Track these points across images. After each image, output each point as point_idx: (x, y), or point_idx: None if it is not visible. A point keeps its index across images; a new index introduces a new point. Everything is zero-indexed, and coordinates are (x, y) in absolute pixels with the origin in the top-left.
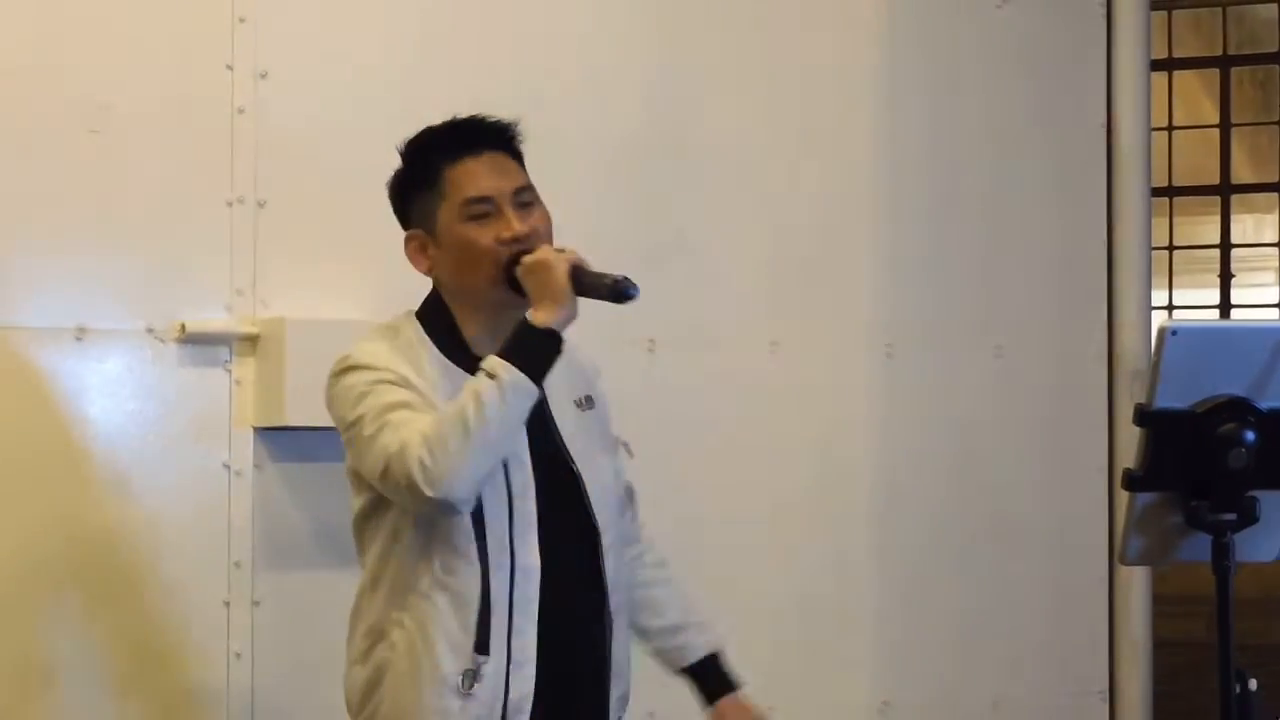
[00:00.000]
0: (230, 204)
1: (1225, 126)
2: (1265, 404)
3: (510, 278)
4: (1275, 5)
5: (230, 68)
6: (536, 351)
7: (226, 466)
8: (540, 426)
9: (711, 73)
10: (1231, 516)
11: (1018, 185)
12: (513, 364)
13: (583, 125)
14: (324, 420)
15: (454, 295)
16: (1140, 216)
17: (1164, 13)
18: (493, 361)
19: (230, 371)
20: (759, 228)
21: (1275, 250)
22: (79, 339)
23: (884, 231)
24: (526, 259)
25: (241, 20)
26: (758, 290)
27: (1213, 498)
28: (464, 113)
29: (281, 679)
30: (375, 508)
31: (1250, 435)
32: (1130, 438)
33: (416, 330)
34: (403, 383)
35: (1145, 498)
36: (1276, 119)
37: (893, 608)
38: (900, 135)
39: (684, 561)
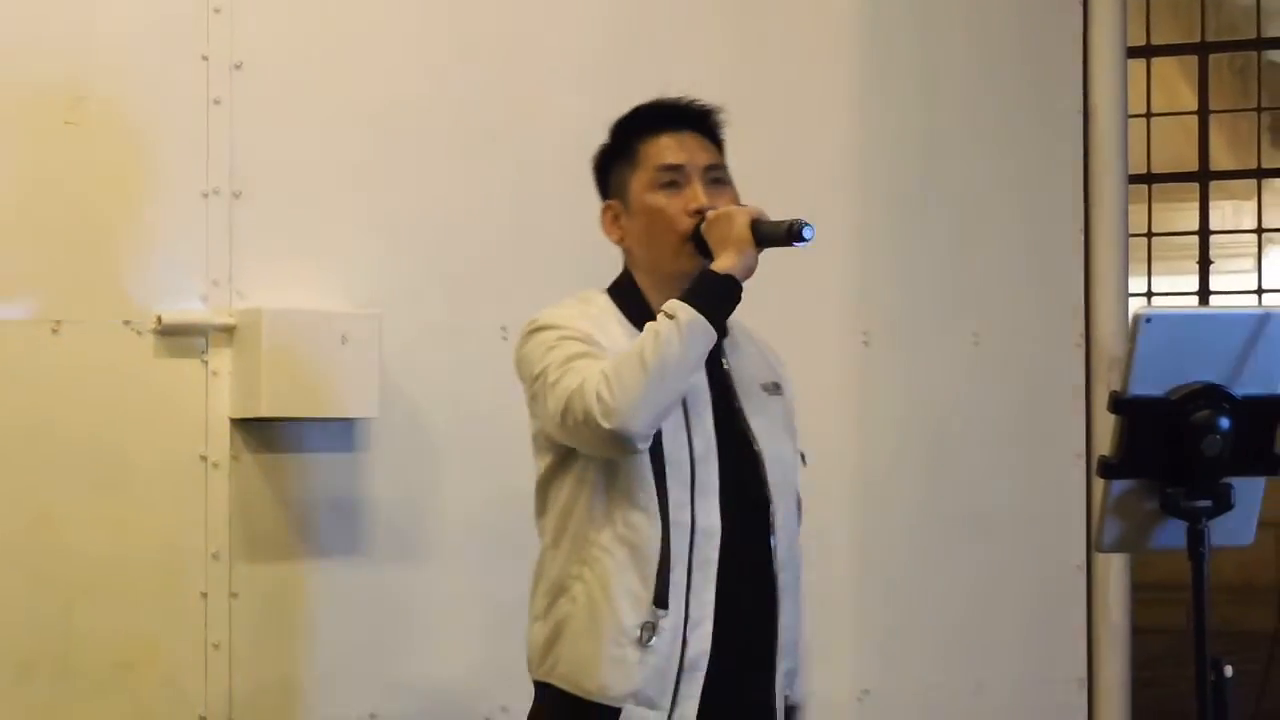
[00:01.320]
0: (206, 195)
1: (1204, 113)
2: (1240, 390)
3: (699, 244)
4: None
5: (205, 59)
6: (715, 295)
7: (203, 458)
8: (725, 402)
9: (683, 60)
10: (1207, 503)
11: (995, 173)
12: (691, 305)
13: (557, 116)
14: (300, 411)
15: (642, 267)
16: (1117, 203)
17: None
18: (673, 303)
19: (206, 363)
20: None
21: (1254, 236)
22: (55, 331)
23: (860, 219)
24: (710, 214)
25: (216, 11)
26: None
27: (1188, 484)
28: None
29: (259, 670)
30: (559, 467)
31: (1225, 422)
32: (1108, 425)
33: (606, 301)
34: (587, 340)
35: (1121, 485)
36: (1255, 106)
37: (872, 596)
38: (877, 123)
39: None
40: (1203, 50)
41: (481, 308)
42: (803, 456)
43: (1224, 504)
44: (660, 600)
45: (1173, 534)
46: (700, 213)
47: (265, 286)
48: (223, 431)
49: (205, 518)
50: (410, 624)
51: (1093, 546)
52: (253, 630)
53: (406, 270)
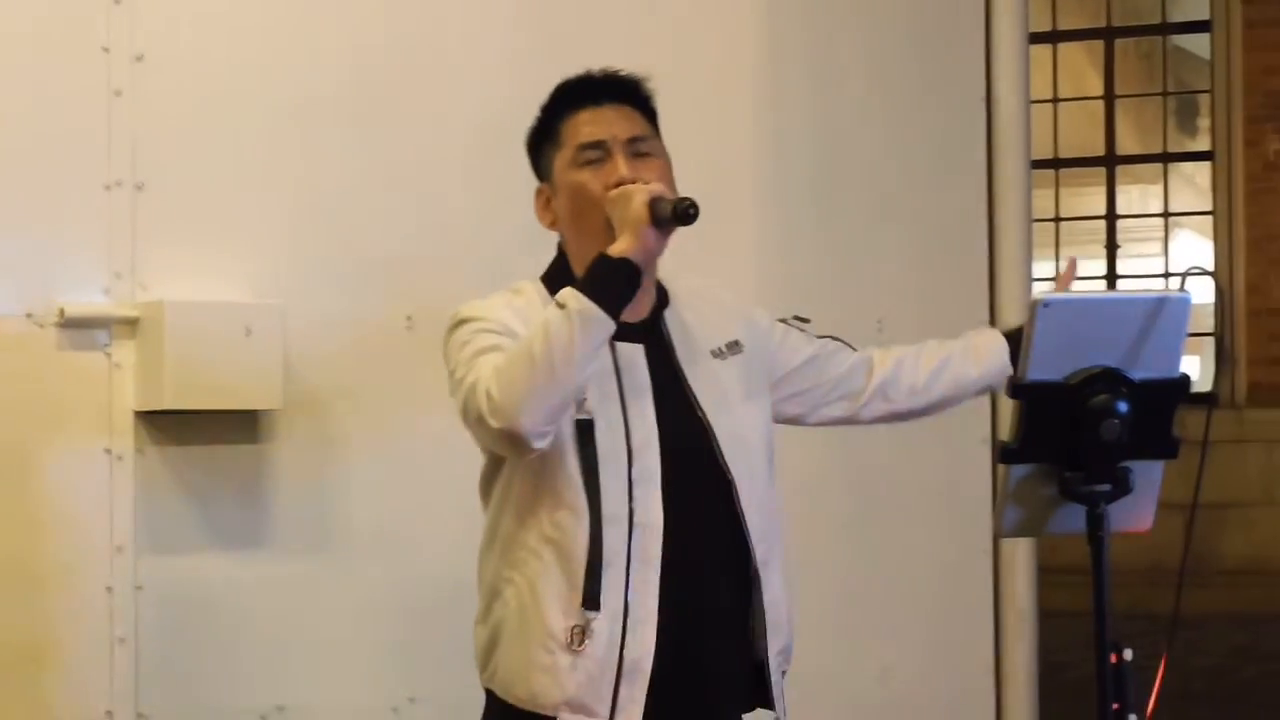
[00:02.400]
0: (108, 187)
1: (1110, 98)
2: (1138, 375)
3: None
4: None
5: (106, 50)
6: (608, 281)
7: (107, 451)
8: (671, 379)
9: (585, 50)
10: (1106, 487)
11: (899, 158)
12: (584, 293)
13: (459, 100)
14: (204, 403)
15: (573, 249)
16: (1020, 189)
17: None
18: (565, 292)
19: (110, 355)
20: None
21: (1160, 221)
22: None
23: (765, 208)
24: (610, 192)
25: (117, 3)
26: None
27: (1087, 469)
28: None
29: (165, 663)
30: (493, 466)
31: (1123, 406)
32: (1011, 410)
33: (539, 289)
34: (504, 331)
35: (1020, 470)
36: (1160, 90)
37: None
38: (782, 109)
39: None
40: (1108, 35)
41: (385, 298)
42: (803, 320)
43: (1123, 488)
44: (590, 601)
45: (1072, 518)
46: (621, 184)
47: (168, 278)
48: (126, 424)
49: (110, 511)
50: (317, 615)
51: (993, 532)
52: (158, 624)
53: (310, 261)
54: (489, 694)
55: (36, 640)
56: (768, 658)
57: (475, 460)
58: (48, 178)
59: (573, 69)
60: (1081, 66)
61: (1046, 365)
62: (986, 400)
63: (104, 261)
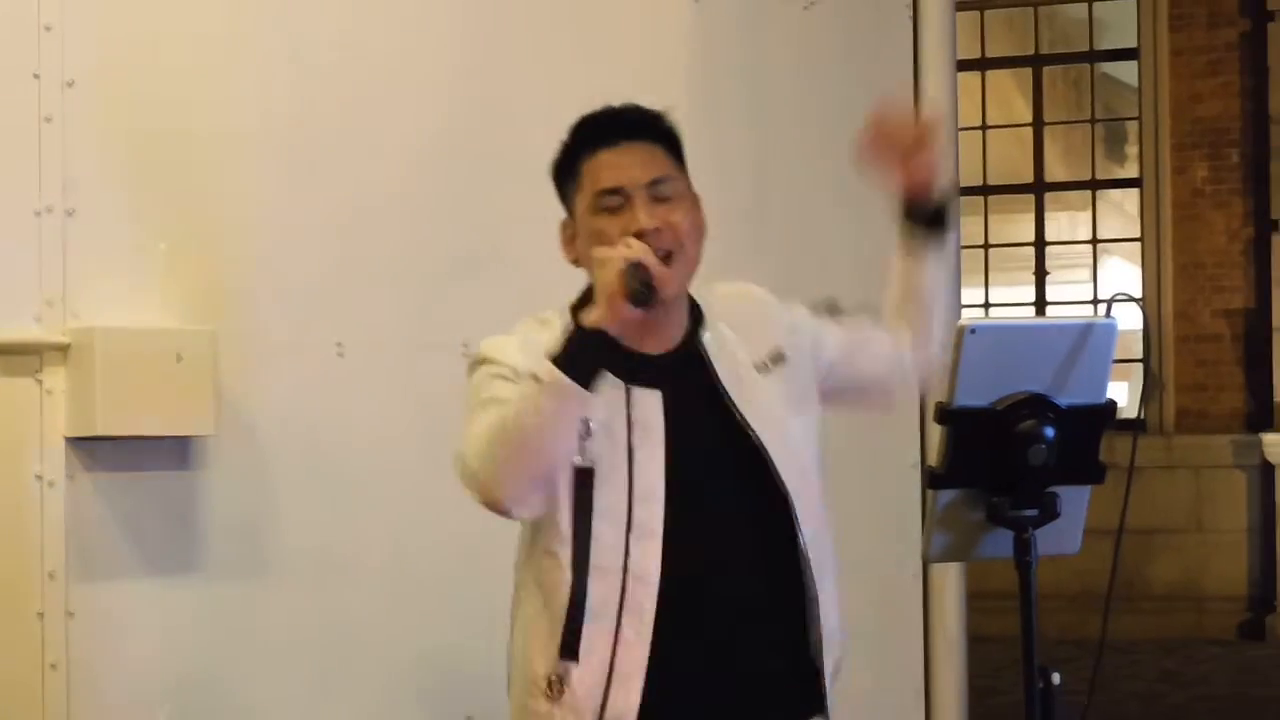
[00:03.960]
0: (38, 213)
1: (1038, 125)
2: (1064, 400)
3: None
4: (1085, 5)
5: (37, 76)
6: (579, 352)
7: (39, 477)
8: (716, 402)
9: (520, 70)
10: (1033, 512)
11: (826, 185)
12: (557, 365)
13: (391, 126)
14: (135, 430)
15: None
16: None
17: (976, 12)
18: (540, 364)
19: (41, 382)
20: None
21: (1089, 247)
22: None
23: None
24: (594, 252)
25: (47, 28)
26: (572, 291)
27: (1014, 494)
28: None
29: (97, 690)
30: None
31: (1050, 431)
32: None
33: (564, 320)
34: (515, 377)
35: (948, 495)
36: (1088, 117)
37: None
38: (709, 136)
39: (481, 551)
40: (1037, 63)
41: (317, 324)
42: (835, 304)
43: (1050, 513)
44: (566, 651)
45: (1000, 543)
46: (641, 235)
47: (99, 305)
48: (58, 451)
49: (41, 537)
50: (248, 643)
51: (921, 556)
52: (90, 650)
53: (241, 286)
54: None
55: None
56: (822, 669)
57: (408, 485)
58: None
59: (505, 94)
60: (1010, 94)
61: (973, 391)
62: (916, 425)
63: (35, 288)
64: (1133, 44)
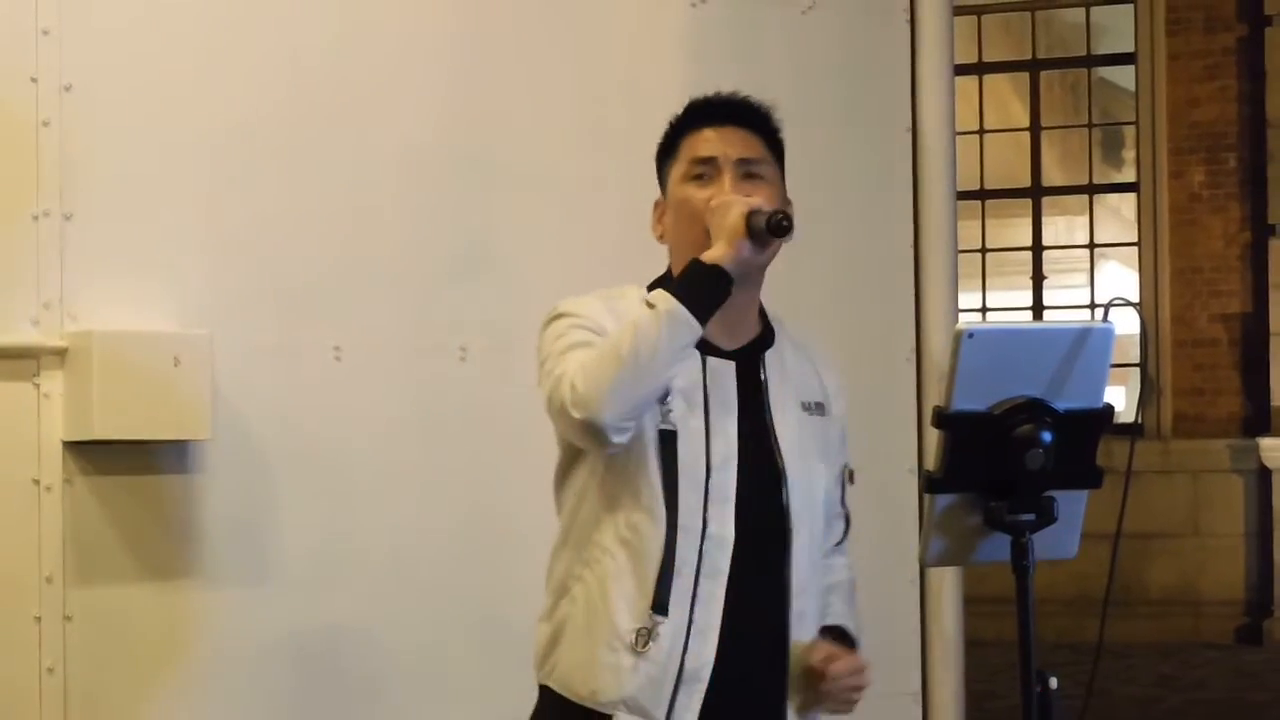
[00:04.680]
0: (36, 217)
1: (1035, 129)
2: (1062, 405)
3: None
4: (1083, 9)
5: (34, 80)
6: (699, 285)
7: (36, 481)
8: (757, 414)
9: (514, 76)
10: (1030, 517)
11: (826, 189)
12: (673, 294)
13: (388, 130)
14: (132, 433)
15: (676, 262)
16: (945, 219)
17: (973, 17)
18: (656, 293)
19: (38, 385)
20: (564, 234)
21: (1086, 252)
22: None
23: None
24: (712, 201)
25: (45, 33)
26: (564, 296)
27: (1011, 498)
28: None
29: (94, 693)
30: (571, 463)
31: (1047, 436)
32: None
33: (641, 294)
34: (598, 329)
35: (945, 499)
36: (1086, 122)
37: None
38: None
39: (478, 554)
40: (1034, 67)
41: (314, 327)
42: (851, 474)
43: (1047, 517)
44: (659, 606)
45: (997, 548)
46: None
47: (97, 308)
48: (55, 454)
49: (38, 541)
50: (246, 645)
51: (918, 560)
52: (87, 654)
53: (238, 290)
54: (544, 690)
55: None
56: (786, 700)
57: (405, 489)
58: None
59: (500, 102)
60: (1007, 98)
61: (971, 395)
62: (913, 430)
63: (32, 292)
64: (1130, 48)
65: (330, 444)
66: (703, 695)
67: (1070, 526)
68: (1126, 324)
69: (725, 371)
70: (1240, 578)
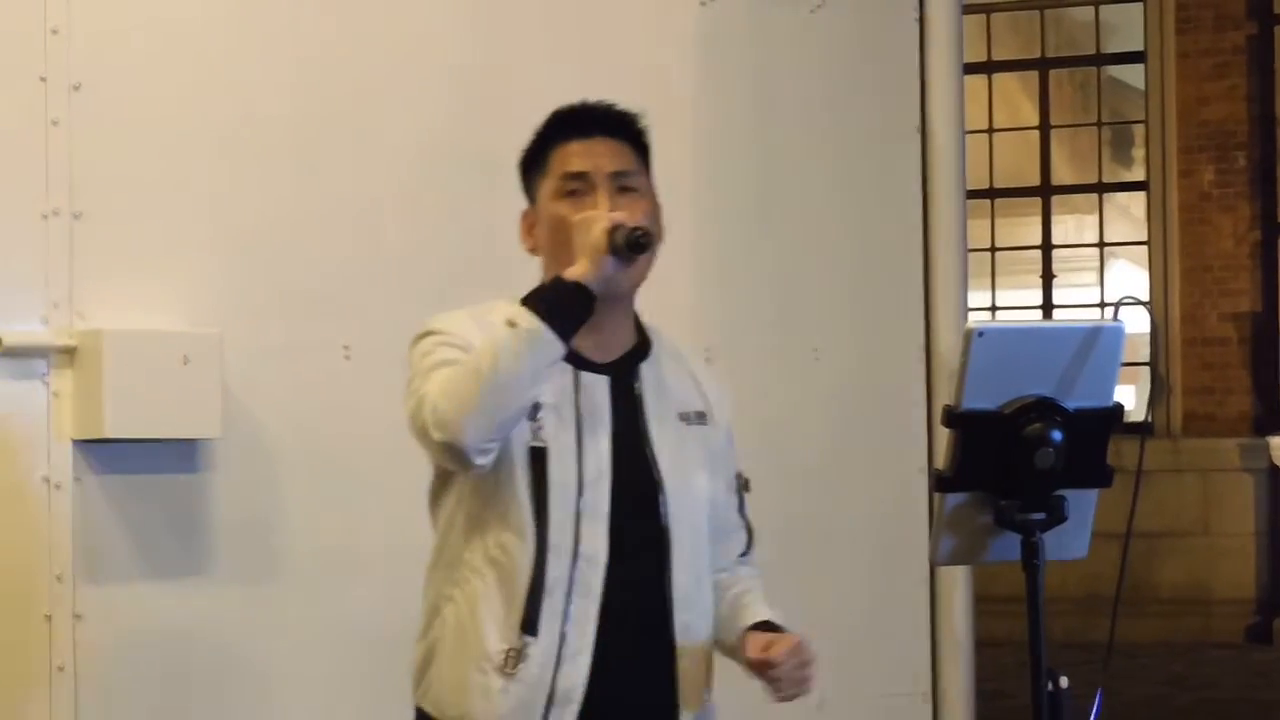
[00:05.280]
0: (45, 216)
1: (1045, 128)
2: (1072, 403)
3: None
4: (1092, 8)
5: (43, 79)
6: (560, 303)
7: (46, 480)
8: (633, 427)
9: (524, 74)
10: (1040, 516)
11: (835, 188)
12: (535, 312)
13: (398, 129)
14: (142, 432)
15: (549, 276)
16: (955, 218)
17: (982, 16)
18: (518, 311)
19: (48, 384)
20: None
21: (1096, 250)
22: None
23: (702, 236)
24: (575, 216)
25: (54, 32)
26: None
27: (1021, 497)
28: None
29: (104, 692)
30: (441, 483)
31: (1057, 435)
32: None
33: (511, 308)
34: (466, 346)
35: (955, 498)
36: (1095, 120)
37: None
38: (716, 138)
39: None
40: (1043, 66)
41: (323, 327)
42: (746, 483)
43: (1057, 516)
44: (528, 626)
45: (1007, 547)
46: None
47: (106, 307)
48: (65, 453)
49: (48, 539)
50: (256, 644)
51: (928, 560)
52: (97, 652)
53: (247, 289)
54: (419, 713)
55: None
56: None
57: (416, 488)
58: None
59: (510, 106)
60: (1016, 97)
61: (981, 394)
62: (923, 429)
63: (42, 291)
64: (1139, 47)
65: (340, 442)
66: (576, 716)
67: (1080, 526)
68: (1136, 323)
69: (598, 386)
70: (1251, 577)
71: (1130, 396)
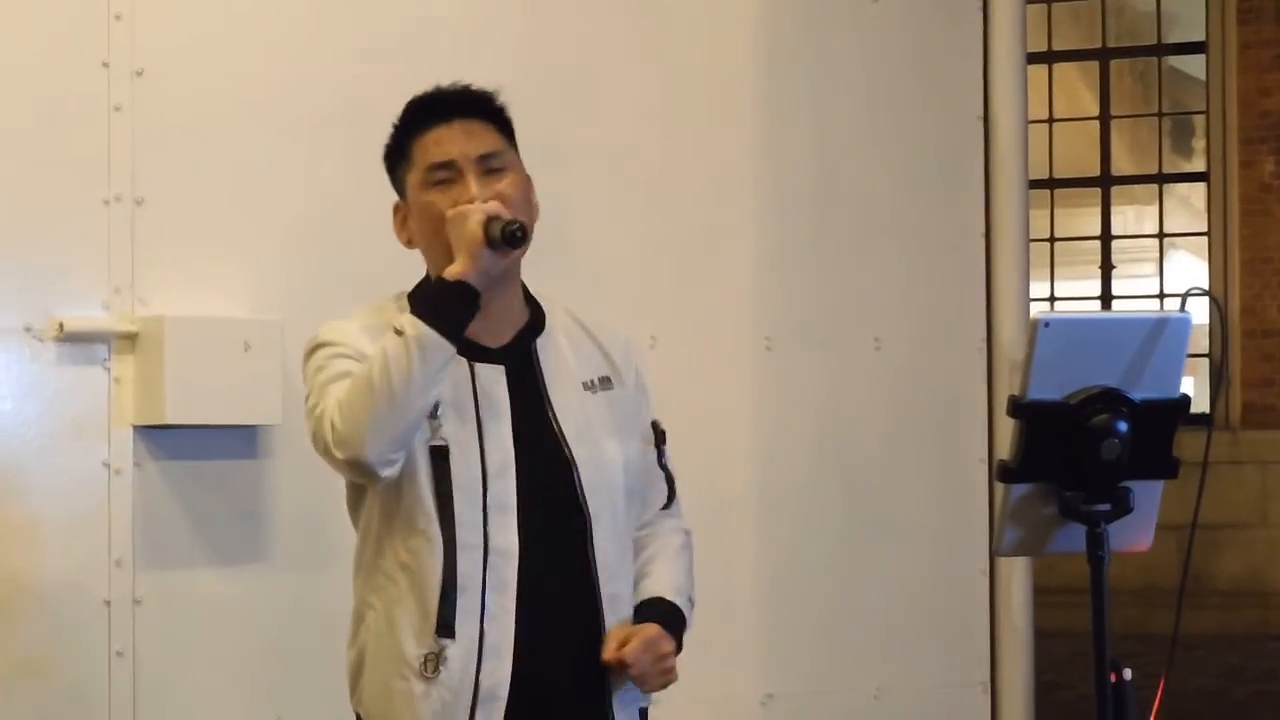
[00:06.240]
0: (107, 202)
1: (1105, 118)
2: (1137, 394)
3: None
4: None
5: (106, 65)
6: (446, 304)
7: (106, 465)
8: (536, 406)
9: (582, 64)
10: (1105, 507)
11: (897, 178)
12: (421, 318)
13: None
14: (203, 418)
15: (430, 268)
16: (1018, 209)
17: (1044, 5)
18: (403, 318)
19: (109, 370)
20: (637, 223)
21: (1155, 241)
22: None
23: (763, 225)
24: (448, 212)
25: (118, 18)
26: (636, 286)
27: (1087, 488)
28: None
29: (163, 677)
30: (355, 493)
31: (1123, 426)
32: (1009, 429)
33: (401, 306)
34: (357, 356)
35: (1020, 489)
36: (1155, 111)
37: (774, 601)
38: (778, 129)
39: None
40: (1104, 56)
41: None
42: (661, 433)
43: (1123, 508)
44: (444, 628)
45: (1072, 538)
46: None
47: (168, 293)
48: (126, 439)
49: (109, 525)
50: (315, 630)
51: (992, 550)
52: (157, 638)
53: (309, 276)
54: (357, 717)
55: (35, 654)
56: (610, 694)
57: None
58: (48, 192)
59: (571, 90)
60: (1077, 87)
61: (1047, 384)
62: (984, 419)
63: (103, 276)
64: (1201, 37)
65: None
66: (502, 714)
67: (1145, 517)
68: (1196, 314)
69: (494, 376)
70: None
71: (1190, 388)
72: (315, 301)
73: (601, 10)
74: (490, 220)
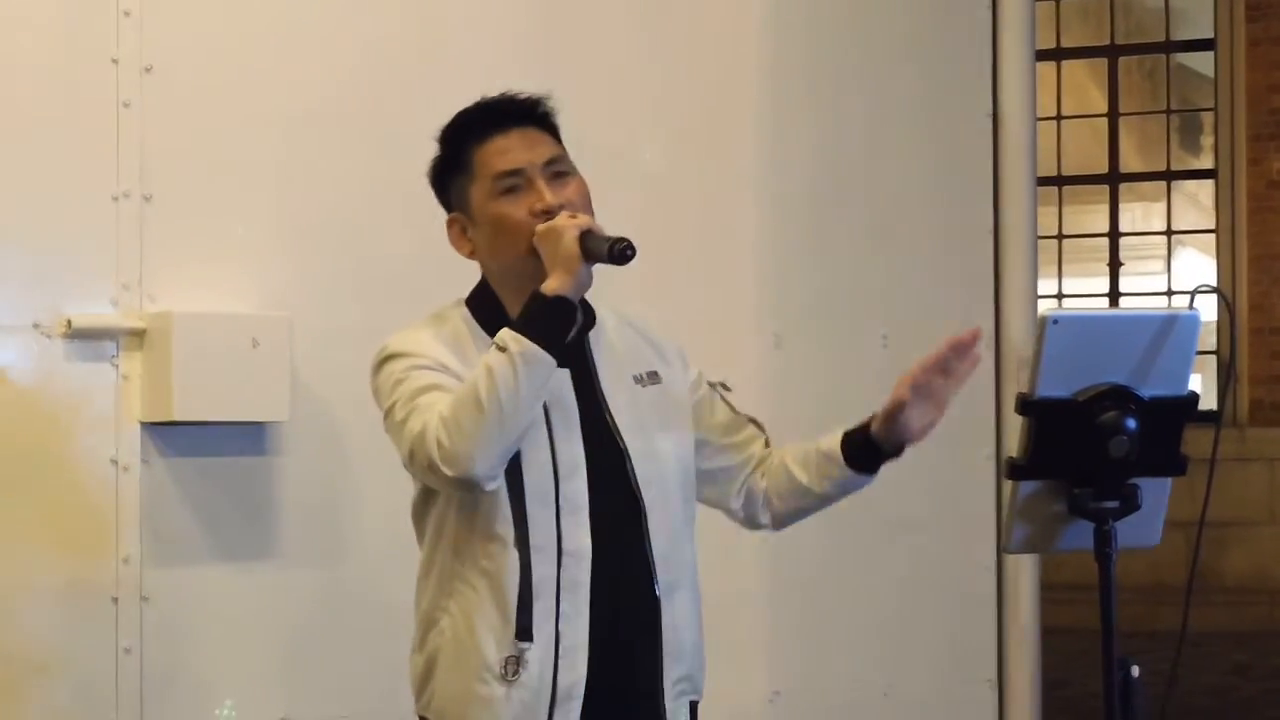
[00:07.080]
0: (116, 198)
1: (1113, 116)
2: (1146, 391)
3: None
4: None
5: (115, 61)
6: (547, 320)
7: (114, 462)
8: (591, 401)
9: (591, 60)
10: (1114, 504)
11: (904, 174)
12: (524, 334)
13: None
14: (210, 415)
15: (497, 277)
16: (1026, 205)
17: (1052, 2)
18: (504, 334)
19: (117, 366)
20: (644, 218)
21: (1163, 238)
22: None
23: (770, 221)
24: (539, 228)
25: (126, 14)
26: (644, 280)
27: (1095, 485)
28: (486, 95)
29: (170, 674)
30: (426, 497)
31: (1131, 423)
32: (1017, 426)
33: (464, 316)
34: (438, 367)
35: (1028, 486)
36: (1164, 108)
37: (783, 598)
38: (786, 124)
39: None
40: (1112, 53)
41: (392, 310)
42: (723, 383)
43: (1131, 505)
44: (523, 633)
45: (1080, 535)
46: (548, 212)
47: (176, 290)
48: (133, 435)
49: (116, 522)
50: (324, 627)
51: (1000, 547)
52: (164, 634)
53: (317, 273)
54: None
55: (43, 651)
56: (662, 685)
57: None
58: (56, 188)
59: (576, 85)
60: (1085, 84)
61: (1055, 382)
62: (991, 416)
63: (111, 273)
64: (1209, 34)
65: None
66: (579, 712)
67: (1154, 514)
68: (1204, 311)
69: (563, 381)
70: None
71: (1197, 385)
72: (323, 298)
73: (606, 6)
74: (585, 234)
